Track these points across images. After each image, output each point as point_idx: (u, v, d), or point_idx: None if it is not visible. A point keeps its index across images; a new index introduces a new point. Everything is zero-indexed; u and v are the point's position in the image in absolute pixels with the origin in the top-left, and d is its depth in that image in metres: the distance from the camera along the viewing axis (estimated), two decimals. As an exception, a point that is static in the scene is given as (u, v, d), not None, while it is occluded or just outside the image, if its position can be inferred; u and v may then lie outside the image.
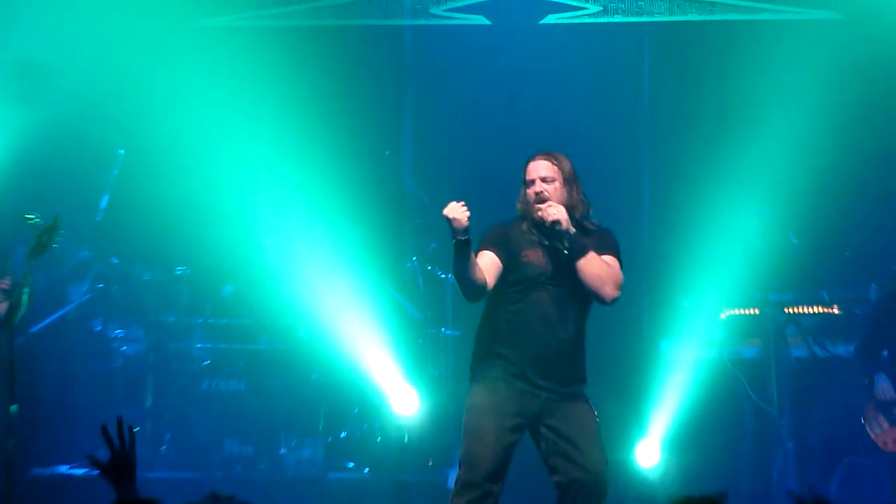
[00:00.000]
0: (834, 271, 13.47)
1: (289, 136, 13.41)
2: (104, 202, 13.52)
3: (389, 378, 12.96)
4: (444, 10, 14.31)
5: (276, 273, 13.41)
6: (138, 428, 13.21)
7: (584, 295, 9.44)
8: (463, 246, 9.00)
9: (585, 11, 14.28)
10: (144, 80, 13.51)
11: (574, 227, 9.29)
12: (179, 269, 13.70)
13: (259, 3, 14.13)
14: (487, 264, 9.32)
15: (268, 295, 13.50)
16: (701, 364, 13.19)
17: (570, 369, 9.56)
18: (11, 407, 10.38)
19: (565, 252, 9.28)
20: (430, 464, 12.90)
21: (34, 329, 12.76)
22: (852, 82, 13.26)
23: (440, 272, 13.25)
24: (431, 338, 13.05)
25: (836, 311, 13.40)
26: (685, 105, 13.91)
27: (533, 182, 9.38)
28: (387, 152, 13.62)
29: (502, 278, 9.39)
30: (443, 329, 13.20)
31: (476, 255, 9.25)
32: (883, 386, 12.57)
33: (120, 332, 13.74)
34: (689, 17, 14.23)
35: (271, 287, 13.45)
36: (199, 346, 13.73)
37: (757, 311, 13.15)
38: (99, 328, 13.73)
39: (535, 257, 9.41)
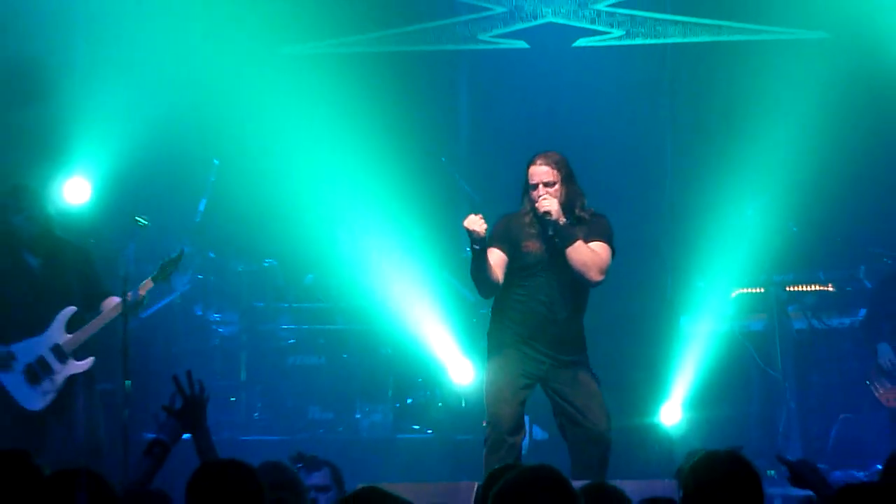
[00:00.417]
0: (828, 255, 13.46)
1: (360, 147, 13.39)
2: (202, 205, 13.61)
3: (448, 352, 12.98)
4: (490, 37, 14.31)
5: (351, 263, 13.47)
6: (234, 398, 13.33)
7: (576, 280, 9.63)
8: (479, 253, 9.29)
9: (611, 35, 14.25)
10: (236, 100, 13.48)
11: (568, 218, 9.50)
12: (267, 262, 13.86)
13: (333, 33, 14.15)
14: (496, 260, 9.56)
15: (343, 282, 13.62)
16: (715, 336, 13.22)
17: (570, 341, 9.83)
18: (126, 382, 10.45)
19: (555, 240, 9.45)
20: (485, 424, 12.93)
21: (145, 315, 12.81)
22: (841, 93, 13.18)
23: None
24: (483, 317, 13.04)
25: (830, 288, 13.40)
26: (700, 115, 13.91)
27: (536, 186, 9.54)
28: (443, 159, 13.63)
29: (509, 266, 9.58)
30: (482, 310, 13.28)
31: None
32: (883, 352, 12.62)
33: (217, 316, 13.89)
34: (701, 39, 14.20)
35: (346, 275, 13.54)
36: (284, 326, 13.89)
37: (762, 290, 13.16)
38: (199, 313, 13.87)
39: (535, 247, 9.65)
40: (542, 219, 9.54)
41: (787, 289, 13.16)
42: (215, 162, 13.61)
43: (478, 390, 12.92)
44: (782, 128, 13.14)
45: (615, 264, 9.95)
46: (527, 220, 9.71)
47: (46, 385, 11.00)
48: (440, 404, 13.38)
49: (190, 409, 6.86)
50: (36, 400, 11.00)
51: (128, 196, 12.82)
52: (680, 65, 14.21)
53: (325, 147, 13.47)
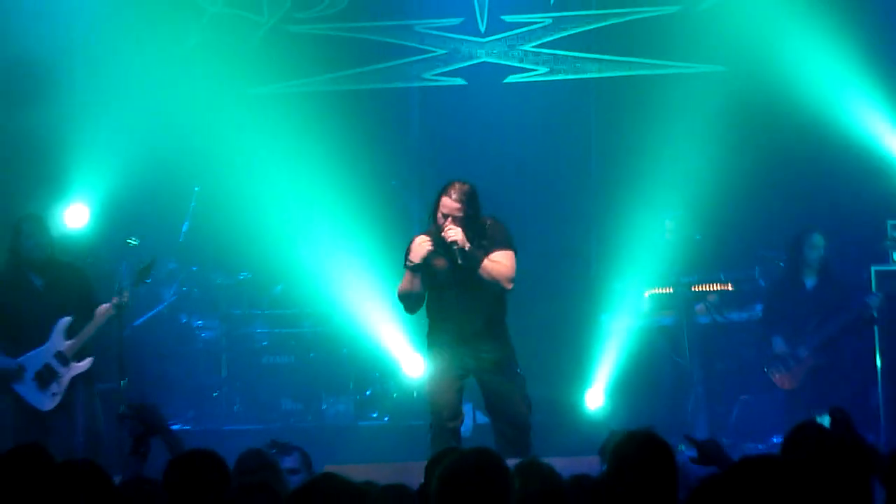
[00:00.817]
0: (727, 259, 13.45)
1: (321, 173, 13.38)
2: (185, 226, 13.60)
3: (400, 349, 12.99)
4: (432, 75, 14.32)
5: (314, 275, 13.44)
6: (216, 393, 13.32)
7: (486, 290, 9.68)
8: (414, 271, 9.54)
9: (536, 72, 14.26)
10: (213, 135, 13.47)
11: (472, 242, 9.55)
12: (243, 275, 13.81)
13: (295, 75, 14.15)
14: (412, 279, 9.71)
15: (308, 291, 13.58)
16: (631, 330, 13.23)
17: (491, 341, 9.87)
18: (122, 381, 10.55)
19: (463, 265, 9.51)
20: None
21: (137, 322, 12.79)
22: (737, 119, 13.26)
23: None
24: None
25: (729, 287, 13.40)
26: (618, 139, 13.88)
27: (445, 217, 9.55)
28: (393, 182, 13.64)
29: (425, 283, 9.73)
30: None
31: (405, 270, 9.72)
32: (777, 345, 12.66)
33: (200, 322, 13.84)
34: (616, 74, 14.23)
35: (311, 285, 13.51)
36: (259, 330, 13.85)
37: (671, 290, 13.13)
38: (184, 320, 13.81)
39: (442, 265, 9.71)
40: (450, 246, 9.58)
41: (693, 288, 13.16)
42: (196, 189, 13.60)
43: (425, 382, 13.00)
44: (687, 150, 13.15)
45: (546, 271, 10.06)
46: (434, 239, 9.70)
47: (54, 387, 11.09)
48: (395, 394, 13.40)
49: (143, 422, 6.99)
50: (46, 401, 11.10)
51: (120, 220, 12.80)
52: (600, 96, 14.20)
53: (290, 174, 13.46)
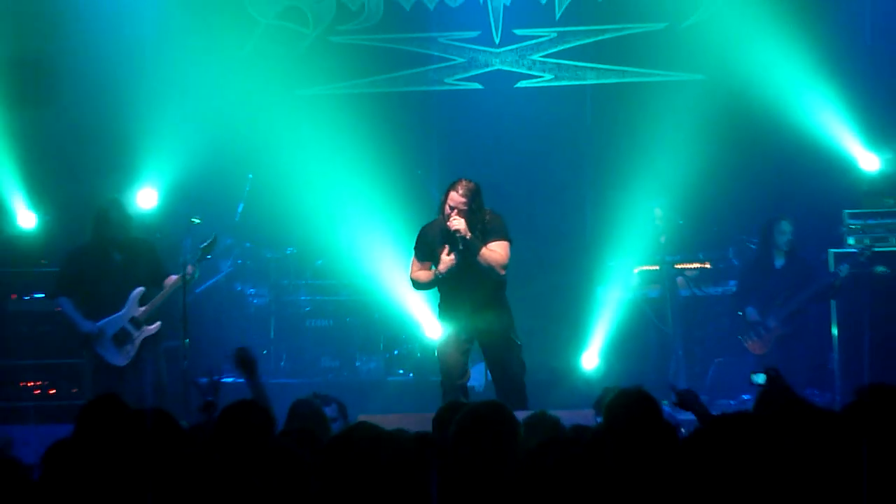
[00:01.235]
0: (706, 241, 13.42)
1: (358, 162, 13.38)
2: (240, 208, 13.59)
3: (423, 315, 12.96)
4: (453, 80, 14.29)
5: (350, 251, 13.47)
6: (266, 351, 13.32)
7: (485, 273, 9.79)
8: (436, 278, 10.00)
9: (542, 79, 14.23)
10: (265, 128, 13.53)
11: (473, 232, 9.67)
12: (289, 250, 13.80)
13: (336, 78, 14.13)
14: (420, 267, 10.02)
15: (345, 265, 13.57)
16: (622, 302, 13.20)
17: (491, 313, 9.95)
18: (185, 340, 10.59)
19: (464, 252, 9.67)
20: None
21: (198, 290, 12.75)
22: (715, 121, 13.16)
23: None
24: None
25: (707, 266, 13.34)
26: (612, 137, 13.84)
27: (451, 208, 9.66)
28: (419, 171, 13.56)
29: (434, 266, 9.88)
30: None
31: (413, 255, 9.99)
32: (750, 315, 12.62)
33: (252, 291, 13.83)
34: (611, 80, 14.18)
35: (347, 260, 13.52)
36: (303, 298, 13.85)
37: (657, 267, 13.11)
38: (239, 288, 13.82)
39: (446, 251, 9.81)
40: (453, 234, 9.68)
41: (676, 266, 13.13)
42: (249, 176, 13.58)
43: (437, 346, 13.02)
44: (672, 147, 13.09)
45: (548, 250, 10.08)
46: (441, 227, 9.90)
47: (128, 347, 11.21)
48: (418, 354, 13.36)
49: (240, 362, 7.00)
50: (121, 359, 11.21)
51: (185, 202, 12.79)
52: (597, 99, 14.16)
53: (330, 164, 13.44)
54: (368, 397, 12.13)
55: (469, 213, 9.75)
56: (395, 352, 13.56)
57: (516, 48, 14.25)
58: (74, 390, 12.24)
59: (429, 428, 6.29)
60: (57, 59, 13.65)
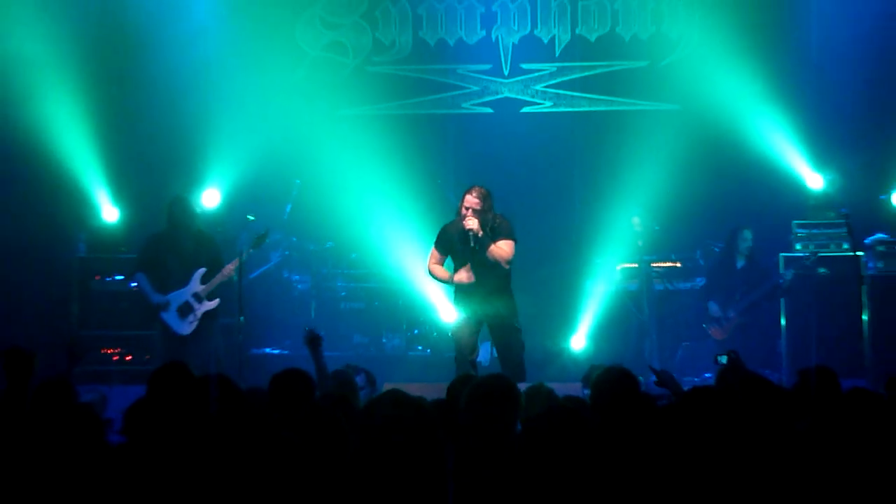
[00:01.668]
0: (677, 244, 13.42)
1: (387, 171, 13.36)
2: (288, 208, 13.56)
3: (440, 301, 12.98)
4: (469, 105, 14.28)
5: (379, 246, 13.45)
6: (308, 328, 13.31)
7: (493, 266, 9.80)
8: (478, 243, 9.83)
9: (543, 105, 14.22)
10: (310, 141, 13.48)
11: (484, 230, 9.69)
12: (329, 244, 13.75)
13: (370, 101, 14.12)
14: (438, 258, 10.00)
15: (375, 257, 13.55)
16: (607, 293, 13.21)
17: (497, 301, 9.95)
18: (240, 318, 10.60)
19: (475, 247, 9.70)
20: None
21: (252, 276, 12.79)
22: (689, 144, 13.18)
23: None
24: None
25: (678, 265, 13.33)
26: (601, 157, 13.85)
27: (466, 209, 9.69)
28: (438, 180, 13.59)
29: (447, 257, 9.98)
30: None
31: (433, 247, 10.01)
32: (713, 308, 12.65)
33: (297, 278, 13.79)
34: (600, 108, 14.18)
35: (377, 253, 13.50)
36: (339, 284, 13.82)
37: (637, 265, 13.09)
38: (286, 275, 13.77)
39: (460, 246, 9.87)
40: (467, 232, 9.75)
41: (652, 265, 13.15)
42: (297, 181, 13.55)
43: (451, 327, 13.01)
44: (650, 165, 13.11)
45: (545, 248, 10.13)
46: (458, 227, 9.93)
47: (190, 318, 11.24)
48: (434, 333, 13.34)
49: (309, 340, 7.37)
50: (184, 328, 11.23)
51: (242, 201, 12.81)
52: (588, 124, 14.18)
53: (365, 172, 13.44)
54: (392, 369, 12.11)
55: (481, 214, 9.80)
56: (415, 331, 13.54)
57: (522, 79, 14.25)
58: (147, 357, 12.32)
59: (443, 396, 6.32)
60: (137, 75, 13.64)
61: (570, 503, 4.59)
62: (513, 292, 10.13)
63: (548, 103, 14.24)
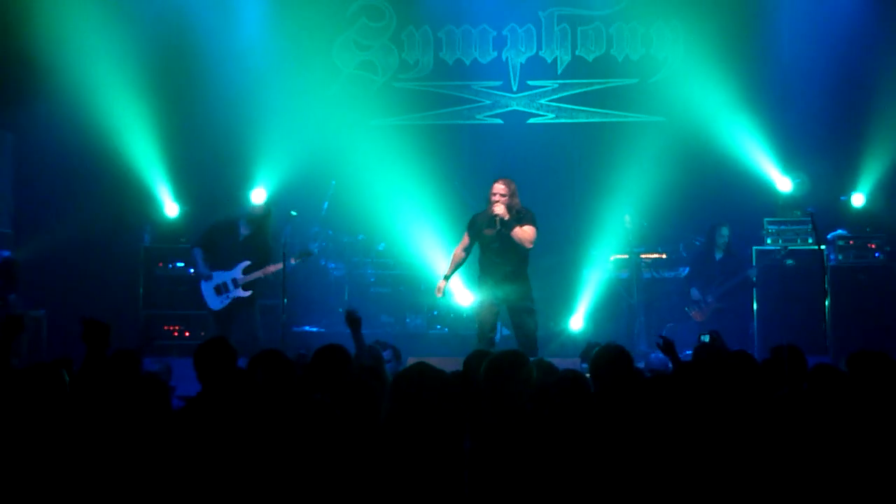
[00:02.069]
0: (663, 237, 13.37)
1: (411, 173, 13.34)
2: (325, 205, 13.54)
3: (457, 286, 12.94)
4: (481, 116, 14.26)
5: (406, 238, 13.42)
6: (341, 309, 13.31)
7: (516, 248, 9.64)
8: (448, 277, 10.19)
9: (547, 117, 14.18)
10: (345, 147, 13.50)
11: (510, 215, 9.66)
12: (360, 236, 13.73)
13: (398, 112, 14.08)
14: (466, 244, 9.98)
15: (401, 248, 13.53)
16: (601, 280, 13.16)
17: (516, 284, 9.88)
18: (284, 300, 10.59)
19: (504, 228, 9.67)
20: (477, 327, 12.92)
21: (294, 263, 12.82)
22: (672, 151, 13.13)
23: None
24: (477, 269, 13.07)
25: (664, 256, 13.30)
26: (597, 162, 13.76)
27: (494, 195, 9.65)
28: (456, 182, 13.58)
29: (478, 242, 9.91)
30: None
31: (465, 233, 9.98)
32: (694, 293, 12.64)
33: (332, 265, 13.74)
34: (596, 120, 14.10)
35: (402, 244, 13.47)
36: (369, 271, 13.78)
37: (627, 256, 13.07)
38: (323, 263, 13.71)
39: (490, 232, 9.79)
40: (495, 216, 9.75)
41: (641, 256, 13.12)
42: (333, 182, 13.52)
43: (473, 308, 12.93)
44: (640, 169, 13.08)
45: (548, 240, 10.12)
46: (487, 215, 9.91)
47: (223, 297, 11.32)
48: (452, 315, 13.34)
49: (350, 320, 7.13)
50: (215, 303, 11.32)
51: (286, 199, 12.77)
52: (586, 134, 14.15)
53: (392, 174, 13.41)
54: (414, 345, 12.10)
55: (508, 200, 9.82)
56: (435, 312, 13.49)
57: (528, 94, 14.22)
58: (202, 333, 12.32)
59: (460, 368, 6.33)
60: (196, 88, 13.66)
61: (573, 458, 4.60)
62: (529, 278, 10.12)
63: (551, 115, 14.21)
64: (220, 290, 11.29)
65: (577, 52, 14.19)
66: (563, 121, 14.22)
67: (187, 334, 12.55)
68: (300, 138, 13.38)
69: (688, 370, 5.01)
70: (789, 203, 13.09)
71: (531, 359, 6.01)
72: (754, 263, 12.61)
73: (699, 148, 13.32)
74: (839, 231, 12.67)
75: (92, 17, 13.06)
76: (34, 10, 12.81)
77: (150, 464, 4.71)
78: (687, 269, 13.11)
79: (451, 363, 6.69)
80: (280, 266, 10.98)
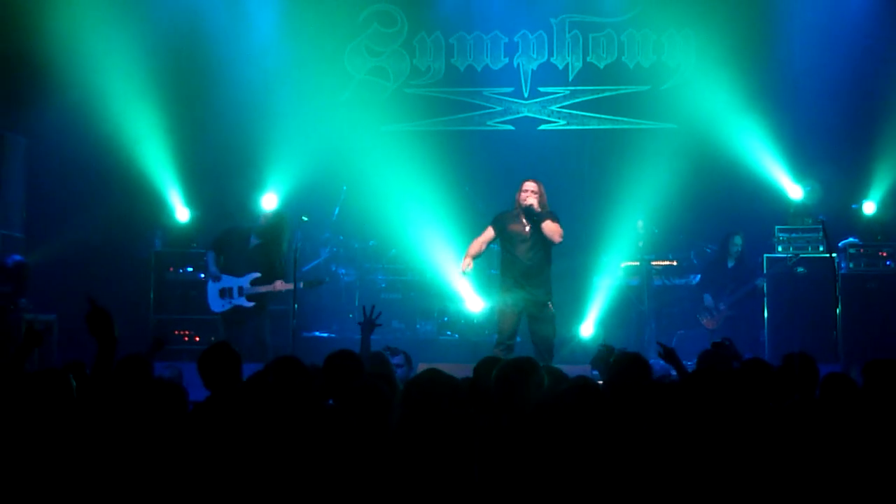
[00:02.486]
0: (674, 245, 13.38)
1: (421, 179, 13.34)
2: (336, 210, 13.54)
3: (467, 293, 12.96)
4: (493, 122, 14.29)
5: (416, 244, 13.39)
6: (352, 315, 13.32)
7: (543, 244, 9.75)
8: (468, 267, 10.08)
9: (558, 124, 14.21)
10: (356, 152, 13.49)
11: (540, 210, 9.70)
12: (371, 242, 13.72)
13: (410, 118, 14.13)
14: (487, 236, 10.02)
15: (411, 254, 13.49)
16: (612, 287, 13.17)
17: (539, 286, 9.87)
18: (295, 305, 10.60)
19: (535, 220, 9.73)
20: (487, 334, 12.93)
21: (305, 269, 12.81)
22: (683, 157, 13.17)
23: (493, 245, 13.28)
24: (490, 276, 13.00)
25: (674, 263, 13.28)
26: (608, 168, 13.78)
27: (525, 191, 9.75)
28: (466, 188, 13.58)
29: (504, 238, 9.95)
30: (493, 271, 13.21)
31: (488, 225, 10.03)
32: (707, 299, 12.62)
33: (343, 271, 13.73)
34: (607, 126, 14.14)
35: (413, 250, 13.44)
36: (380, 277, 13.77)
37: (638, 263, 13.08)
38: (334, 268, 13.70)
39: (516, 228, 9.84)
40: (527, 209, 9.82)
41: (652, 263, 13.11)
42: (344, 188, 13.53)
43: (484, 314, 13.00)
44: (651, 176, 13.08)
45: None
46: (513, 213, 9.99)
47: (225, 302, 11.35)
48: (462, 321, 13.34)
49: (366, 323, 7.51)
50: (217, 306, 11.38)
51: (297, 204, 12.80)
52: (597, 140, 14.18)
53: (403, 180, 13.41)
54: (425, 351, 12.08)
55: (538, 197, 9.93)
56: (445, 318, 13.50)
57: (540, 101, 14.23)
58: (212, 338, 12.32)
59: (470, 374, 6.32)
60: (207, 94, 13.70)
61: (584, 466, 4.59)
62: (552, 277, 10.16)
63: (562, 122, 14.22)
64: (224, 293, 11.31)
65: (588, 59, 14.21)
66: (574, 127, 14.23)
67: (197, 339, 12.56)
68: (311, 143, 13.41)
69: (697, 378, 4.99)
70: (800, 211, 13.08)
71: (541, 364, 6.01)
72: (765, 271, 12.60)
73: (710, 155, 13.31)
74: (850, 239, 12.65)
75: (104, 24, 13.11)
76: (45, 15, 12.85)
77: (162, 468, 4.71)
78: (698, 277, 13.11)
79: (462, 369, 6.69)
80: (290, 286, 10.98)
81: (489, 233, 10.15)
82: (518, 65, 14.23)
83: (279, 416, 5.15)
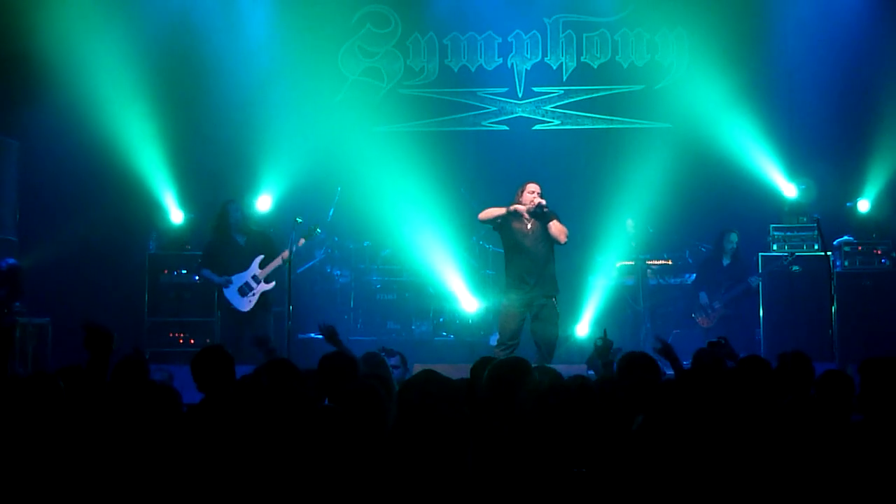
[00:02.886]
0: (669, 245, 13.40)
1: (416, 180, 13.32)
2: (331, 211, 13.45)
3: (462, 294, 12.98)
4: (487, 123, 14.28)
5: (410, 244, 13.38)
6: (346, 316, 13.30)
7: (548, 241, 9.77)
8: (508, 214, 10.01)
9: (552, 123, 14.20)
10: (350, 153, 13.48)
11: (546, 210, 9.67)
12: (366, 243, 13.66)
13: (404, 119, 14.12)
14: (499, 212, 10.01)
15: (406, 254, 13.48)
16: (608, 287, 13.18)
17: (545, 285, 9.79)
18: (290, 307, 10.60)
19: (545, 219, 9.80)
20: (483, 334, 12.92)
21: (299, 270, 12.76)
22: (677, 156, 13.17)
23: (487, 245, 13.26)
24: (485, 276, 13.06)
25: (669, 262, 13.31)
26: (602, 168, 13.78)
27: (532, 192, 9.78)
28: (461, 189, 13.57)
29: (509, 236, 9.96)
30: (488, 271, 13.24)
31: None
32: (702, 297, 12.63)
33: (338, 272, 13.70)
34: (601, 126, 14.14)
35: (407, 251, 13.43)
36: (375, 278, 13.73)
37: (633, 263, 13.07)
38: (329, 270, 13.68)
39: (519, 227, 9.85)
40: (537, 210, 9.85)
41: (647, 262, 13.11)
42: (338, 188, 13.46)
43: (479, 315, 13.00)
44: (644, 175, 13.10)
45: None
46: (516, 210, 9.95)
47: (250, 297, 11.34)
48: (458, 321, 13.33)
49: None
50: (244, 305, 11.35)
51: (291, 206, 12.80)
52: (591, 140, 14.17)
53: (397, 180, 13.39)
54: (420, 352, 12.09)
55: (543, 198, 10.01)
56: (441, 319, 13.50)
57: (534, 101, 14.22)
58: (207, 340, 12.33)
59: (467, 375, 6.31)
60: (201, 96, 13.69)
61: (578, 466, 4.58)
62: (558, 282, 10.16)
63: (556, 122, 14.22)
64: (244, 290, 11.34)
65: (582, 59, 14.21)
66: (568, 127, 14.22)
67: (192, 342, 12.54)
68: (306, 145, 13.42)
69: (694, 375, 4.99)
70: (795, 209, 13.08)
71: (534, 365, 6.00)
72: (760, 270, 12.60)
73: (704, 154, 13.32)
74: (845, 237, 12.66)
75: (97, 26, 13.09)
76: (38, 17, 12.83)
77: (156, 471, 4.70)
78: (693, 276, 13.12)
79: (457, 370, 6.69)
80: (288, 252, 11.02)
81: (502, 212, 10.09)
82: (512, 65, 14.22)
83: (273, 418, 5.13)
